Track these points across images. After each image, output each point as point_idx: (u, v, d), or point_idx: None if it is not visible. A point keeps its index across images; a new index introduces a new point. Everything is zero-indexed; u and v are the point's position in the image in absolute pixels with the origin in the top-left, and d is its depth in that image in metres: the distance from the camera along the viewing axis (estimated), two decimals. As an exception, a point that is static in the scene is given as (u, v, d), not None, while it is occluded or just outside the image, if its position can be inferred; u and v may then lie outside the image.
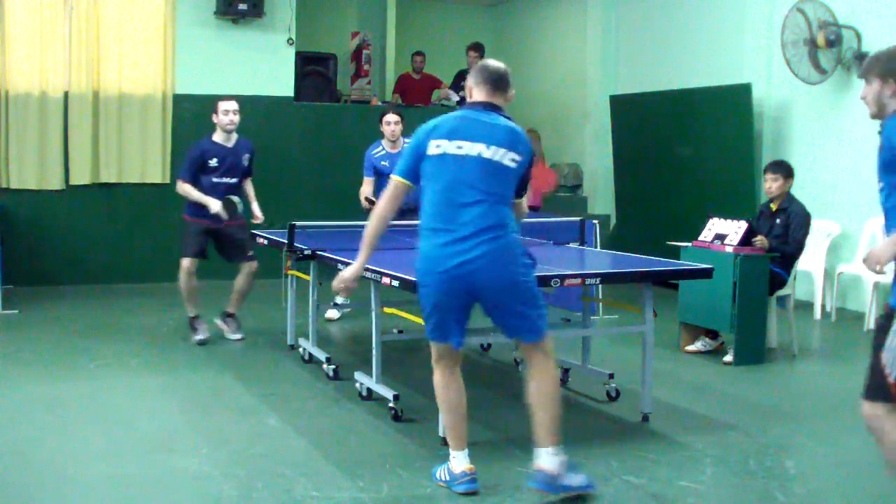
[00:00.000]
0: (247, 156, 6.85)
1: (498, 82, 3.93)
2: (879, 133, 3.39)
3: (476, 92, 3.93)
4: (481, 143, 3.76)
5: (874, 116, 3.42)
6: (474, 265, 3.67)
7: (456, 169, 3.74)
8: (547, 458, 3.74)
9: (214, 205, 6.52)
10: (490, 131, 3.80)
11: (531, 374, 3.86)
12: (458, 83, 11.25)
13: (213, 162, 6.65)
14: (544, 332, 3.85)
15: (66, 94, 8.96)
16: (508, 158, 3.78)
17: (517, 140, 3.83)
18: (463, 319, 3.86)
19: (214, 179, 6.64)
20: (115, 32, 9.07)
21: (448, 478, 3.91)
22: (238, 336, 6.82)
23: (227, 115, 6.70)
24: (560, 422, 3.81)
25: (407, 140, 7.58)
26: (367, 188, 7.36)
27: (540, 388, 3.80)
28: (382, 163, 7.30)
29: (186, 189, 6.63)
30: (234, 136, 6.77)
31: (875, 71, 3.29)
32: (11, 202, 8.89)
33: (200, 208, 6.59)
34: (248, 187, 6.94)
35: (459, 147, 3.75)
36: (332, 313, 7.60)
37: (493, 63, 4.00)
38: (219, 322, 6.86)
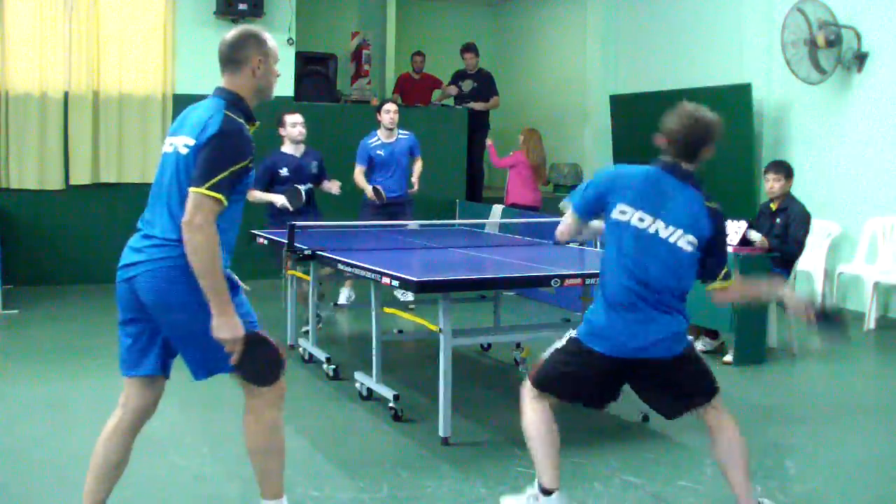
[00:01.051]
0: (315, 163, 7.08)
1: (222, 59, 3.21)
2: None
3: None
4: (177, 135, 3.19)
5: None
6: (129, 272, 3.20)
7: (161, 168, 3.25)
8: None
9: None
10: (184, 120, 3.21)
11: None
12: (456, 84, 11.28)
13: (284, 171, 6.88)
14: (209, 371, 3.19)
15: (66, 95, 8.96)
16: (182, 145, 3.11)
17: (198, 122, 3.09)
18: (133, 338, 3.31)
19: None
20: (115, 32, 9.07)
21: None
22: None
23: (294, 127, 6.96)
24: (275, 475, 3.35)
25: (403, 132, 7.90)
26: (359, 176, 7.79)
27: (248, 439, 3.33)
28: (378, 152, 7.75)
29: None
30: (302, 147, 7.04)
31: None
32: (11, 202, 8.89)
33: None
34: None
35: (171, 144, 3.22)
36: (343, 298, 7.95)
37: (225, 36, 3.23)
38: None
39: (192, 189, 2.98)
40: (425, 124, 10.47)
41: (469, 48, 11.15)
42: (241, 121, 3.11)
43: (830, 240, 8.35)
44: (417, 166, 8.07)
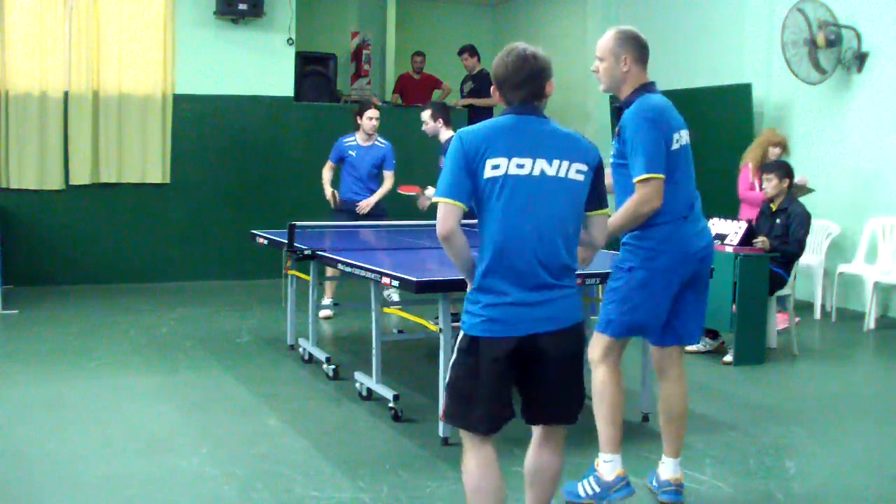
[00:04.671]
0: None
1: (647, 54, 4.26)
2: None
3: None
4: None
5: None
6: (709, 249, 4.21)
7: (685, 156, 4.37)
8: None
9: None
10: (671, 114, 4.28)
11: None
12: (459, 89, 11.27)
13: None
14: None
15: (66, 94, 8.96)
16: None
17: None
18: None
19: None
20: (115, 32, 9.07)
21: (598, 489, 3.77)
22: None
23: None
24: None
25: (380, 140, 7.77)
26: (326, 172, 7.83)
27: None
28: (350, 152, 7.71)
29: None
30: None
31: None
32: (11, 202, 8.89)
33: None
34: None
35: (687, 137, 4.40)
36: (327, 312, 7.63)
37: (634, 32, 4.11)
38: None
39: None
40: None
41: (464, 49, 11.14)
42: None
43: (830, 240, 8.35)
44: (387, 183, 7.71)
